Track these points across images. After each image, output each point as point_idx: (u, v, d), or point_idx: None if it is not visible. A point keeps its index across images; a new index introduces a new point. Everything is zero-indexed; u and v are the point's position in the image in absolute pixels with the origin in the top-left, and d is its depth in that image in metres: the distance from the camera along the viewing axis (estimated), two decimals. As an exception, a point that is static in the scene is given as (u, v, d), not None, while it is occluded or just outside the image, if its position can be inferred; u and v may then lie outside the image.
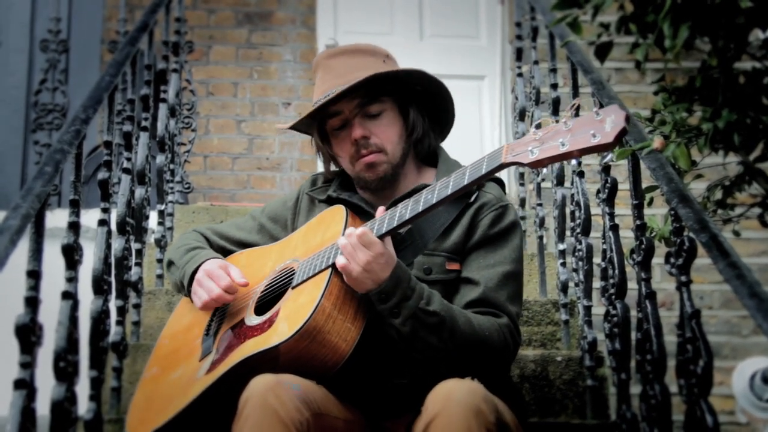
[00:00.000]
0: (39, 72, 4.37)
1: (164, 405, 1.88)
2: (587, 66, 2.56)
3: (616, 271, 2.20)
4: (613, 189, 2.29)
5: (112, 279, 2.31)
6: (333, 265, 1.80)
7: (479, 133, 4.85)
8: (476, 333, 1.78)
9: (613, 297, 2.22)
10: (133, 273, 2.70)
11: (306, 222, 2.07)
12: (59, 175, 2.01)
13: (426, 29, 5.04)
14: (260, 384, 1.64)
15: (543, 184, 3.24)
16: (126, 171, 2.65)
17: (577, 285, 2.65)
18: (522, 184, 3.60)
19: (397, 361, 1.85)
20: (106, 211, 2.26)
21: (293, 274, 1.92)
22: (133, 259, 2.68)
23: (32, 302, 1.73)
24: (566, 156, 1.55)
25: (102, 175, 2.30)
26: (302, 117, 2.03)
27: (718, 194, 2.01)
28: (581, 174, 2.62)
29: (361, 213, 1.99)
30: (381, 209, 1.84)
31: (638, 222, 2.07)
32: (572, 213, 2.68)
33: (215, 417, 1.83)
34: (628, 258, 2.10)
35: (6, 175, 4.41)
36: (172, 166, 3.44)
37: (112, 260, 2.32)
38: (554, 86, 3.02)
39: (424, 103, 2.04)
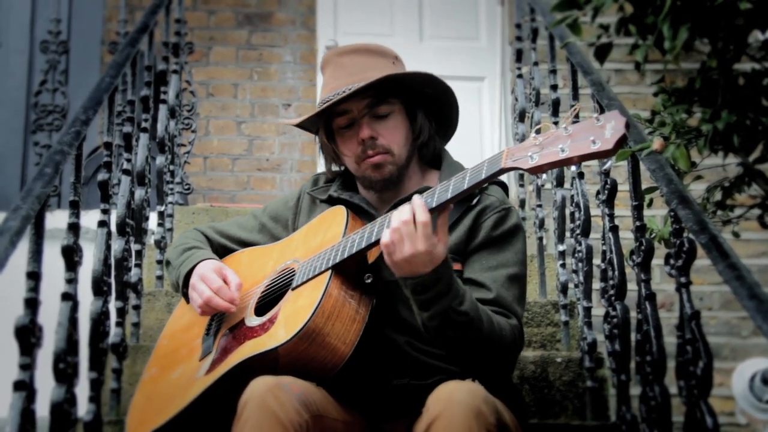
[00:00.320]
0: (39, 73, 4.36)
1: (164, 405, 1.88)
2: (587, 67, 2.56)
3: (616, 273, 2.20)
4: (612, 190, 2.29)
5: (112, 280, 2.30)
6: (332, 267, 1.80)
7: (479, 134, 4.85)
8: (496, 333, 1.78)
9: (613, 298, 2.22)
10: (133, 274, 2.70)
11: (307, 222, 2.07)
12: (59, 177, 2.02)
13: (426, 30, 5.03)
14: (260, 386, 1.64)
15: (543, 186, 3.23)
16: (126, 172, 2.65)
17: (576, 286, 2.65)
18: (522, 185, 3.61)
19: (396, 363, 1.85)
20: (105, 212, 2.25)
21: (293, 274, 1.92)
22: (133, 261, 2.68)
23: (32, 303, 1.73)
24: (566, 162, 1.55)
25: (102, 176, 2.29)
26: (312, 113, 2.01)
27: (718, 195, 2.01)
28: (581, 175, 2.61)
29: (361, 213, 1.99)
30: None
31: (638, 223, 2.06)
32: (572, 214, 2.68)
33: (215, 417, 1.83)
34: (628, 259, 2.09)
35: (6, 177, 4.40)
36: (172, 167, 3.44)
37: (112, 261, 2.32)
38: (554, 87, 3.02)
39: (429, 106, 2.05)
